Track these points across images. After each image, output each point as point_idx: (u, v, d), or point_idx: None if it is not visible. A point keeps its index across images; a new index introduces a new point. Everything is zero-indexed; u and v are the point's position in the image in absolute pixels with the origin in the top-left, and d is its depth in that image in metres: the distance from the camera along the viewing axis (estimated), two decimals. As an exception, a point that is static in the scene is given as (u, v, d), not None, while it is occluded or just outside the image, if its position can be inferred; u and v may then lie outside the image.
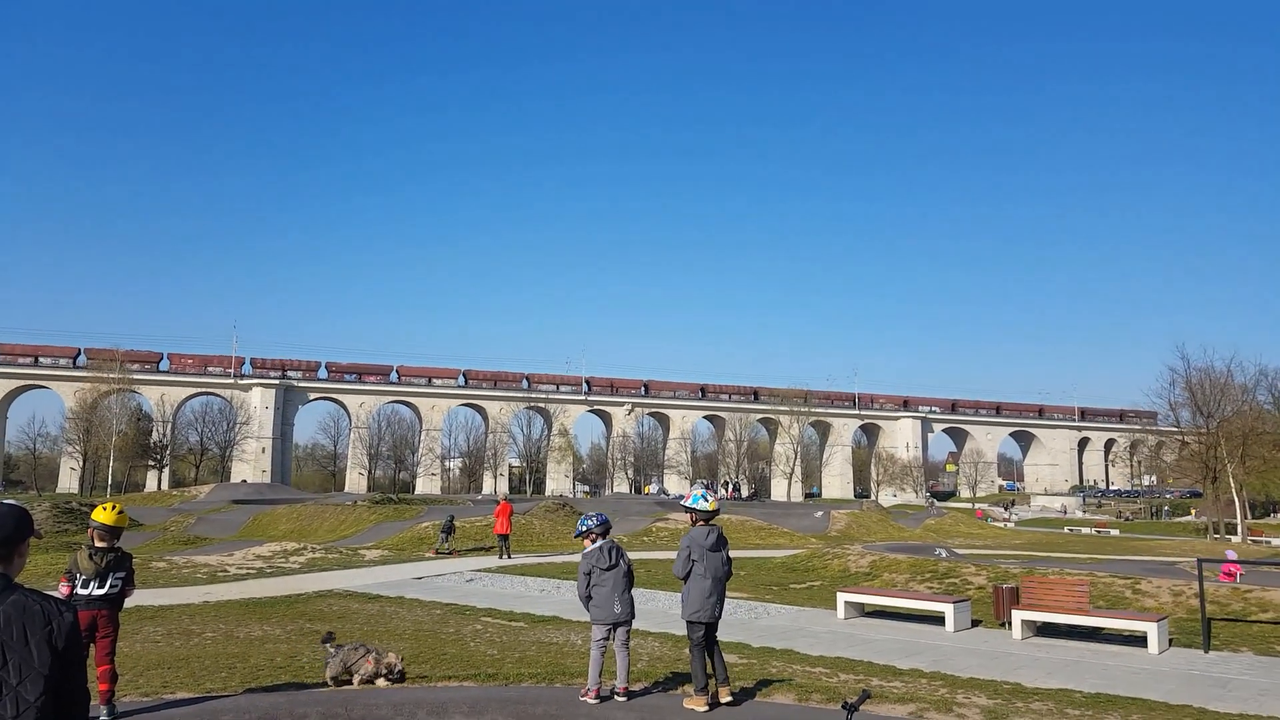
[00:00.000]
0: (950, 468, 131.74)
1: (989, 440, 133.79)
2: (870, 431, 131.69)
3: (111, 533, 6.64)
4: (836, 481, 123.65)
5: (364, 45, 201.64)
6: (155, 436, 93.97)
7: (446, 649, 10.39)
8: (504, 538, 24.25)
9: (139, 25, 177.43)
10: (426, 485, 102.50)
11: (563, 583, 18.22)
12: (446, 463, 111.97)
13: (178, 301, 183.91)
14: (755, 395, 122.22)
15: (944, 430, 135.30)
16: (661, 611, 14.35)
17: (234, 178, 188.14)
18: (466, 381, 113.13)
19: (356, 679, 7.59)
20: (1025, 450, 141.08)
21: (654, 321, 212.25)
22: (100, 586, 6.49)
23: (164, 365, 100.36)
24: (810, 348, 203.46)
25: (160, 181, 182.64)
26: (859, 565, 21.02)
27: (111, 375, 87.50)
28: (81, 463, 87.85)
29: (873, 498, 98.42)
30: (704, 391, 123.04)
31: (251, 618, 12.96)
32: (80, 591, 6.42)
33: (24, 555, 3.01)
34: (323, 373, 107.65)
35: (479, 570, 20.67)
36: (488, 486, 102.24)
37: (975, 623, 14.11)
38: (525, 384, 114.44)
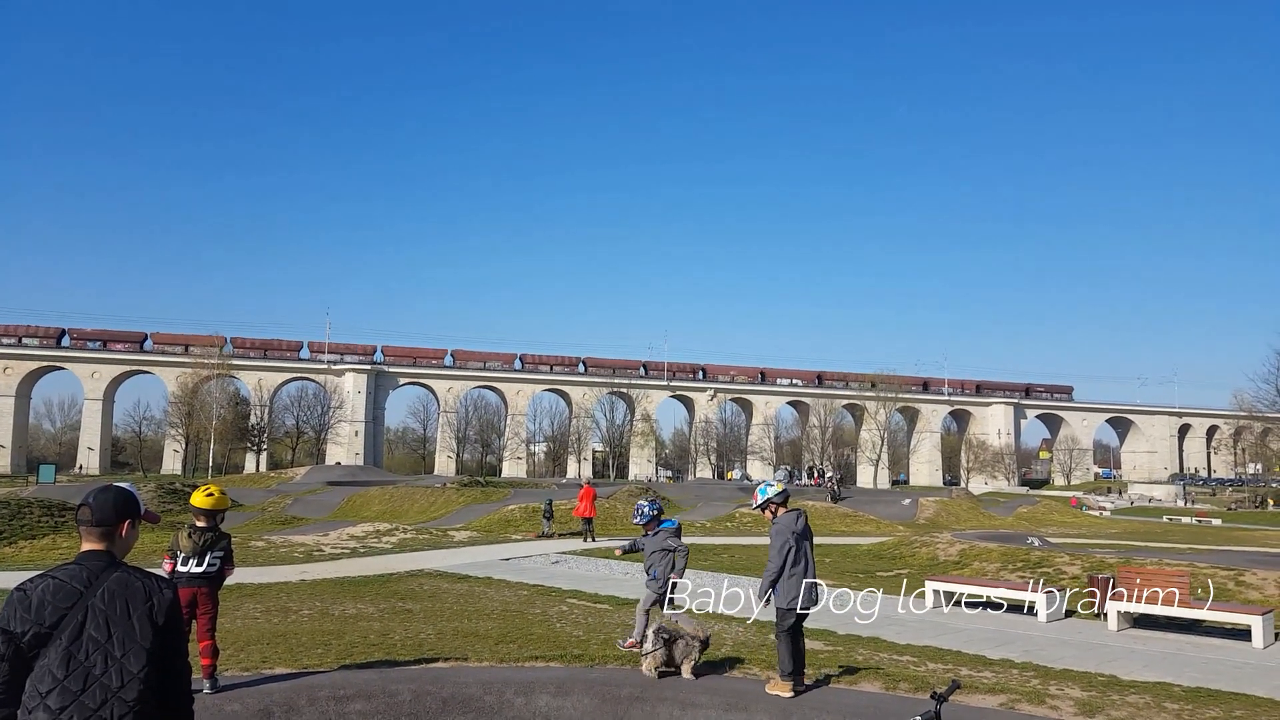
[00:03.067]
0: (1044, 455, 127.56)
1: (1084, 426, 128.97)
2: (960, 418, 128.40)
3: (209, 515, 6.87)
4: (924, 469, 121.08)
5: (473, 32, 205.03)
6: (253, 420, 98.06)
7: (533, 629, 10.55)
8: (588, 521, 24.50)
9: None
10: (512, 469, 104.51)
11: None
12: (531, 447, 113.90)
13: (276, 289, 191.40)
14: (845, 382, 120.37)
15: (1037, 416, 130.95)
16: (745, 597, 14.27)
17: (327, 170, 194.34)
18: (551, 368, 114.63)
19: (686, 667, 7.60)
20: (1123, 437, 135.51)
21: (740, 307, 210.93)
22: (199, 565, 6.73)
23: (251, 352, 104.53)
24: (898, 333, 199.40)
25: (258, 176, 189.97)
26: (948, 553, 20.52)
27: (211, 361, 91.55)
28: (184, 445, 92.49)
29: (962, 485, 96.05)
30: (789, 378, 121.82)
31: (346, 596, 13.40)
32: (180, 569, 6.67)
33: (129, 535, 3.15)
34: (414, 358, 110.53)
35: (563, 553, 20.93)
36: (571, 471, 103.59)
37: (1069, 613, 13.65)
38: (611, 371, 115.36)
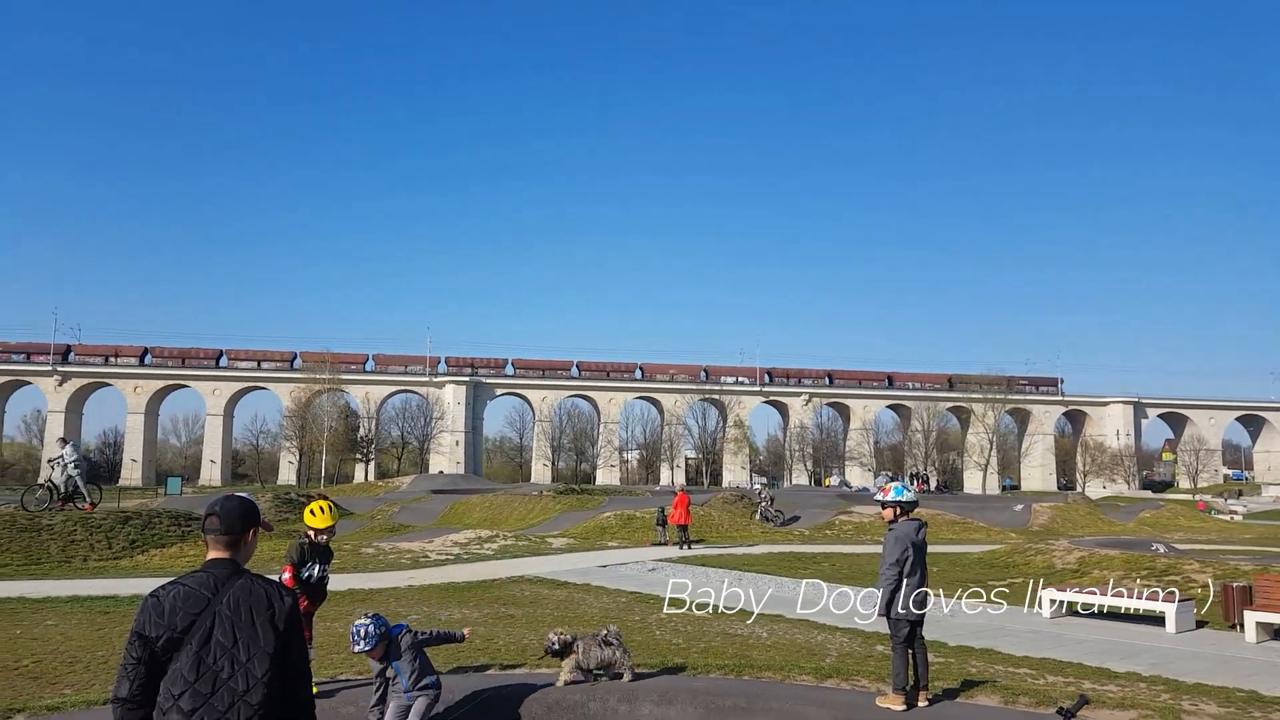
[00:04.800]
0: (1167, 456, 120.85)
1: (1212, 426, 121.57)
2: (1075, 419, 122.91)
3: (326, 532, 6.97)
4: (1037, 473, 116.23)
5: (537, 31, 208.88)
6: (362, 432, 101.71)
7: (633, 636, 10.53)
8: (683, 528, 24.41)
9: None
10: (606, 476, 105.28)
11: (744, 574, 18.12)
12: (624, 454, 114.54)
13: (379, 306, 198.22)
14: (950, 383, 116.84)
15: (1159, 416, 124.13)
16: (849, 606, 13.95)
17: (425, 195, 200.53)
18: (643, 375, 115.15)
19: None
20: (1255, 436, 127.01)
21: (836, 310, 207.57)
22: (317, 574, 6.89)
23: (369, 366, 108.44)
24: (1008, 333, 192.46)
25: (363, 197, 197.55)
26: (1065, 561, 19.61)
27: (322, 376, 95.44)
28: (298, 457, 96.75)
29: (1079, 489, 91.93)
30: (891, 380, 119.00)
31: (451, 601, 13.68)
32: (302, 578, 6.79)
33: (251, 544, 3.28)
34: (510, 369, 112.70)
35: (660, 560, 20.90)
36: (664, 478, 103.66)
37: (1200, 624, 12.82)
38: (704, 375, 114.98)
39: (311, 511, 6.86)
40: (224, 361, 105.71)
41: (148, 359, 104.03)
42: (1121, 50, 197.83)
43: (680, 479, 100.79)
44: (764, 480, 35.25)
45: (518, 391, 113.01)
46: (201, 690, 2.94)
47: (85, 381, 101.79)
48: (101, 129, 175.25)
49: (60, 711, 6.13)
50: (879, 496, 7.41)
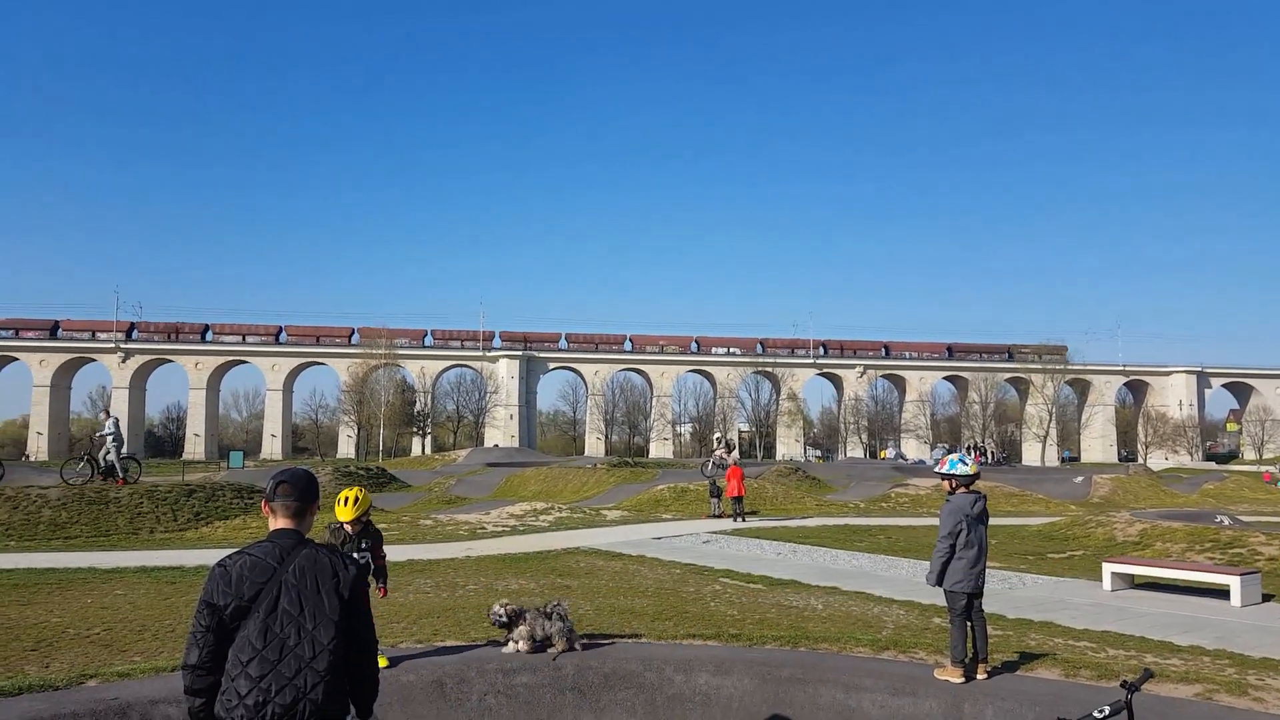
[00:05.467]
0: (1232, 427, 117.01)
1: (1278, 395, 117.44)
2: (1136, 389, 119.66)
3: (357, 524, 6.56)
4: (1097, 444, 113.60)
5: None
6: (418, 406, 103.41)
7: (688, 608, 10.59)
8: (738, 500, 24.41)
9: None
10: (659, 450, 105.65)
11: (798, 546, 18.07)
12: (677, 428, 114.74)
13: (435, 281, 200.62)
14: (1009, 354, 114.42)
15: (1224, 385, 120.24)
16: (905, 579, 13.85)
17: (480, 174, 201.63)
18: (696, 348, 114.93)
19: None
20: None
21: (890, 280, 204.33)
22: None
23: (428, 341, 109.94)
24: (1069, 301, 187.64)
25: (420, 175, 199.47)
26: (1127, 534, 19.19)
27: (379, 351, 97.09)
28: (356, 430, 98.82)
29: (1140, 461, 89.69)
30: (950, 351, 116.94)
31: (508, 572, 13.90)
32: None
33: (314, 515, 3.37)
34: (563, 343, 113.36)
35: (714, 533, 20.94)
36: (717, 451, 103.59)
37: (1267, 597, 12.45)
38: (759, 348, 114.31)
39: (341, 501, 6.51)
40: (283, 338, 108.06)
41: (208, 336, 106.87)
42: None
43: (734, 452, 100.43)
44: (718, 436, 33.60)
45: (570, 365, 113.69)
46: (269, 657, 3.01)
47: (148, 358, 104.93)
48: (164, 118, 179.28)
49: (130, 678, 6.36)
50: (937, 468, 7.33)
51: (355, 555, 6.35)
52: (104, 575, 13.15)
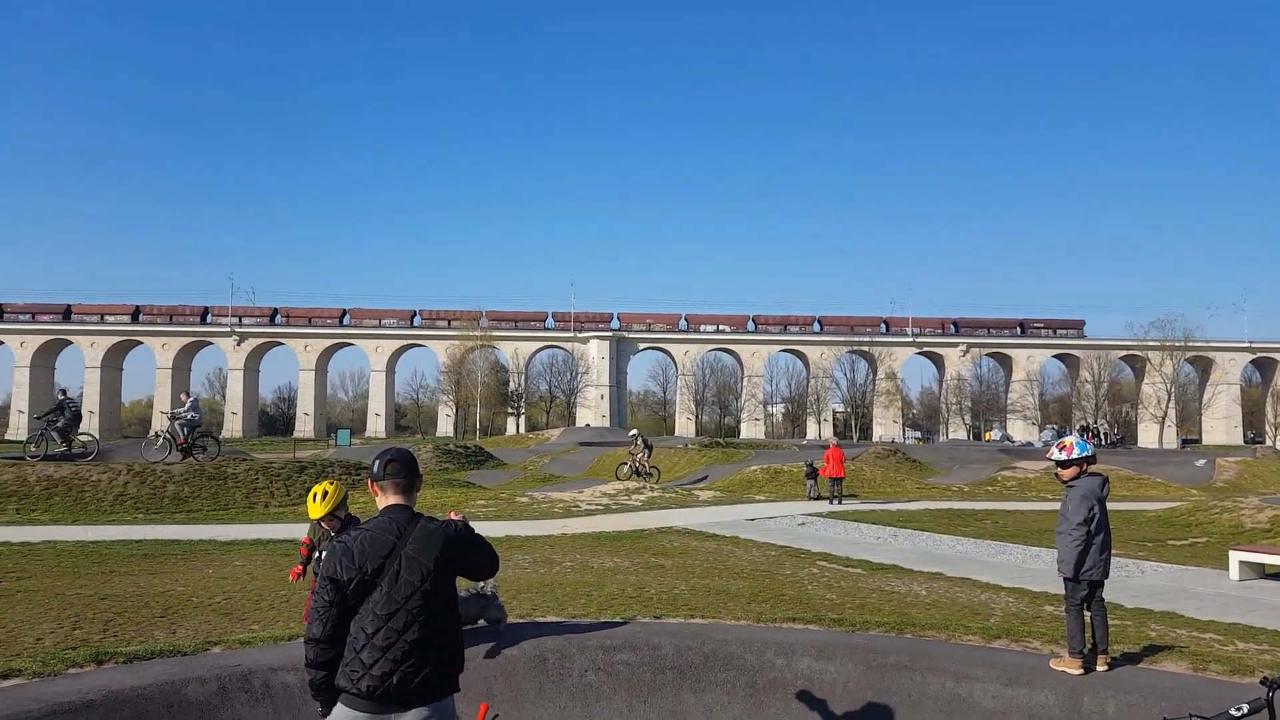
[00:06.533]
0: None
1: None
2: (1264, 367, 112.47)
3: (332, 517, 5.71)
4: (1220, 425, 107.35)
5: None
6: (511, 386, 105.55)
7: (784, 590, 10.42)
8: (836, 481, 23.99)
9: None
10: (750, 430, 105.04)
11: (899, 530, 17.62)
12: (769, 408, 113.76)
13: (526, 263, 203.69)
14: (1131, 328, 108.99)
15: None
16: (1014, 565, 13.33)
17: (577, 156, 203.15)
18: (785, 328, 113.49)
19: None
20: None
21: (998, 254, 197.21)
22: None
23: (539, 324, 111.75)
24: (1189, 274, 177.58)
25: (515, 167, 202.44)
26: (1256, 520, 18.02)
27: (475, 334, 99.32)
28: (454, 410, 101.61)
29: (1269, 443, 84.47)
30: (1052, 327, 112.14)
31: (602, 550, 13.97)
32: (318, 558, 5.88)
33: (419, 490, 3.52)
34: (652, 324, 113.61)
35: (810, 515, 20.62)
36: (811, 432, 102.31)
37: None
38: (850, 329, 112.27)
39: (313, 498, 5.72)
40: (385, 321, 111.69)
41: (313, 321, 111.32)
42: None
43: (828, 432, 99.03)
44: (634, 432, 32.78)
45: (660, 346, 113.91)
46: (394, 627, 3.13)
47: (260, 341, 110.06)
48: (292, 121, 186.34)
49: (251, 645, 6.61)
50: (1058, 454, 6.83)
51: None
52: (223, 547, 13.79)
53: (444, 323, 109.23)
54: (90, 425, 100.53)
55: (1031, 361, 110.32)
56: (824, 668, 6.52)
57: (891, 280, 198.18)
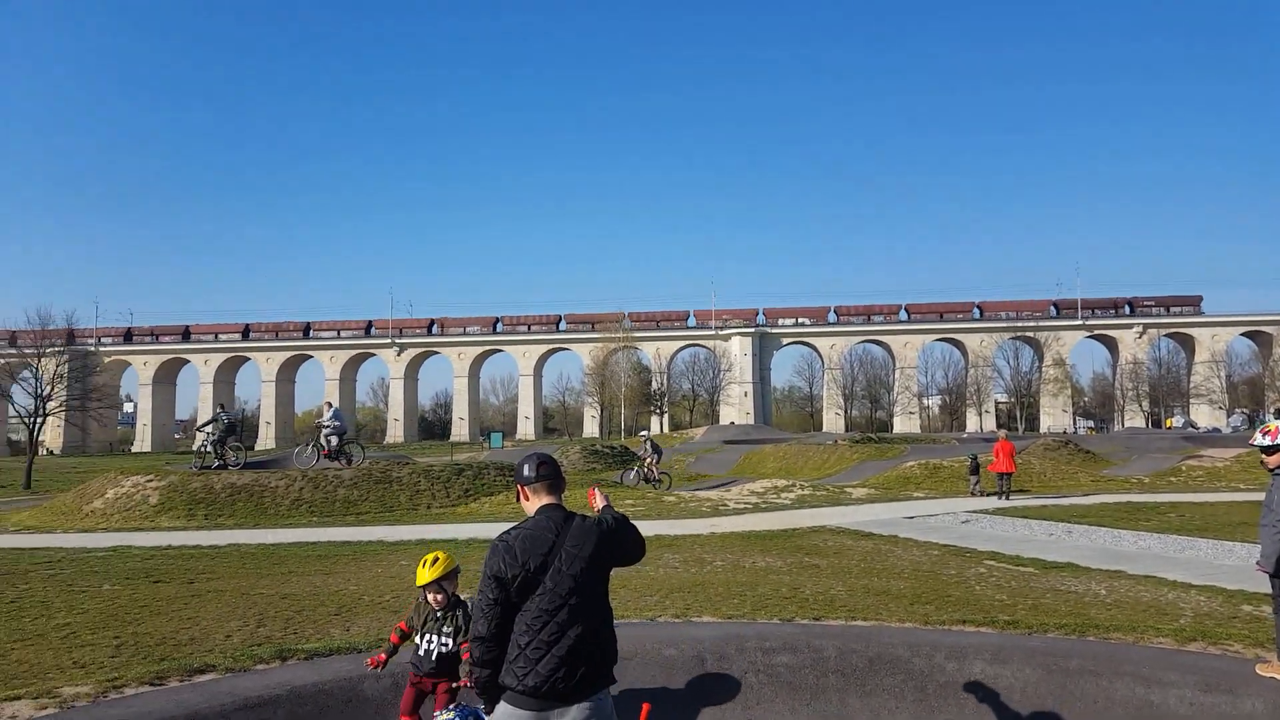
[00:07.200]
0: None
1: None
2: None
3: (439, 585, 4.88)
4: None
5: None
6: (654, 386, 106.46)
7: (950, 591, 9.93)
8: (1005, 477, 22.80)
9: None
10: (904, 424, 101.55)
11: (1074, 527, 16.53)
12: (924, 401, 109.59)
13: (666, 263, 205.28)
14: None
15: None
16: (1204, 561, 12.23)
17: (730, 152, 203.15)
18: (941, 317, 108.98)
19: None
20: None
21: (1176, 225, 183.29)
22: (437, 643, 4.89)
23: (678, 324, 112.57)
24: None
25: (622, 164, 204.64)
26: None
27: (617, 335, 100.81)
28: (599, 411, 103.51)
29: None
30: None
31: (753, 549, 13.77)
32: (420, 651, 4.94)
33: (564, 490, 3.60)
34: (794, 318, 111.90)
35: (974, 511, 19.68)
36: (971, 424, 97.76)
37: None
38: (1013, 314, 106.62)
39: (423, 565, 4.91)
40: (533, 327, 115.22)
41: (467, 330, 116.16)
42: None
43: (990, 424, 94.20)
44: (644, 433, 30.46)
45: (805, 340, 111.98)
46: (559, 622, 3.19)
47: (418, 351, 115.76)
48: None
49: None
50: (1262, 439, 6.10)
51: (440, 641, 4.87)
52: (390, 547, 14.49)
53: (587, 326, 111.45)
54: (266, 436, 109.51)
55: (1217, 341, 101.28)
56: (999, 672, 6.14)
57: (1057, 261, 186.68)
